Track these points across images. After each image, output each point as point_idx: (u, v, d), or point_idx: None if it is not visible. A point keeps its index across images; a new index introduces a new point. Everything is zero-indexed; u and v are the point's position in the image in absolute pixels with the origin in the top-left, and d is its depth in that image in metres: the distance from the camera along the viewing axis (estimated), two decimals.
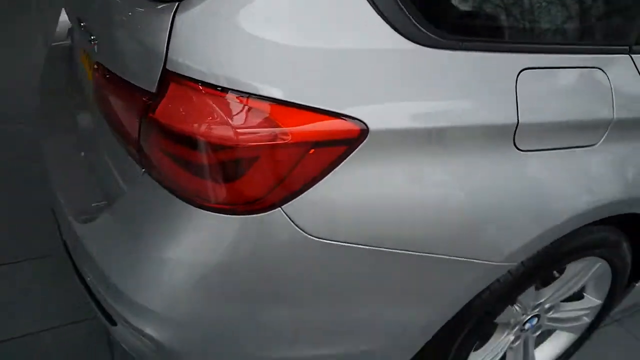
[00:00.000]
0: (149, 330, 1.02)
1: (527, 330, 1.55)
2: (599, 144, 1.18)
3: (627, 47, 1.21)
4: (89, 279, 1.17)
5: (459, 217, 1.05)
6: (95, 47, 1.03)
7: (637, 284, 1.67)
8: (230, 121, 0.85)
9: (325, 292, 1.04)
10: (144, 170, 1.00)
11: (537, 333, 1.60)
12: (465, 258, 1.09)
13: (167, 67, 0.86)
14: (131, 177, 1.07)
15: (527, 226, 1.13)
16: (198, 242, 0.93)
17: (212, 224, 0.92)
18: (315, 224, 0.93)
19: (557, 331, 1.67)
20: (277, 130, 0.86)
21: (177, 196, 0.94)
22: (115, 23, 1.01)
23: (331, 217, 0.94)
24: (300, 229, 0.92)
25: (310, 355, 1.14)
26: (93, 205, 1.20)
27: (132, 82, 0.95)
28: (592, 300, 1.60)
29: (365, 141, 0.90)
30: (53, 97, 1.66)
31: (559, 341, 1.68)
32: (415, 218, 1.01)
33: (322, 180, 0.91)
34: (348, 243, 0.97)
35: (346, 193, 0.93)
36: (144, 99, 0.91)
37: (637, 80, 1.22)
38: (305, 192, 0.91)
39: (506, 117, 1.02)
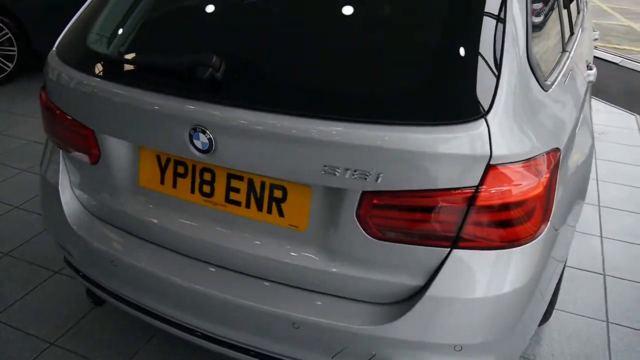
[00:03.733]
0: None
1: None
2: None
3: None
4: None
5: None
6: (379, 179, 1.24)
7: None
8: (539, 178, 1.29)
9: None
10: (449, 249, 1.30)
11: None
12: None
13: (490, 162, 1.21)
14: (429, 262, 1.33)
15: None
16: (517, 273, 1.34)
17: (522, 257, 1.33)
18: None
19: None
20: (543, 172, 1.30)
21: (490, 248, 1.30)
22: (409, 152, 1.22)
23: None
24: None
25: None
26: (394, 300, 1.39)
27: (445, 187, 1.24)
28: None
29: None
30: None
31: None
32: None
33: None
34: None
35: None
36: (466, 194, 1.24)
37: None
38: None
39: None
